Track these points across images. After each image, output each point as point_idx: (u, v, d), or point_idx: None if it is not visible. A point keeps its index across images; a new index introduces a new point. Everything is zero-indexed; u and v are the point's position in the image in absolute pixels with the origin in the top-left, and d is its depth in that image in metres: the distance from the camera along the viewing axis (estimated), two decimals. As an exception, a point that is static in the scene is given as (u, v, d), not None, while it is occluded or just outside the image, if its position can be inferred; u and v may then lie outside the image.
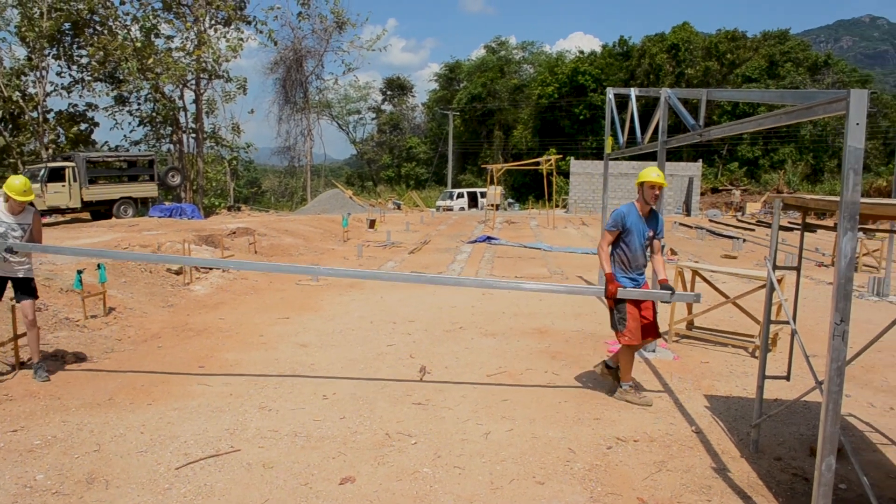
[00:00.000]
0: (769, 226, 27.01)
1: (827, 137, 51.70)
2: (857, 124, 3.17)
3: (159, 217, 25.45)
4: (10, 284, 6.64)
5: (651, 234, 6.12)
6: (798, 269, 5.16)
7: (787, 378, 5.42)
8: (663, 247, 6.45)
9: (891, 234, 13.05)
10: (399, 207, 47.82)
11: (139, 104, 38.26)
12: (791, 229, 23.63)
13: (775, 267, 4.81)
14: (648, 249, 6.21)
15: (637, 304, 6.01)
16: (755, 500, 4.30)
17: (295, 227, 22.18)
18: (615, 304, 6.03)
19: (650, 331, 6.13)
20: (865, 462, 4.95)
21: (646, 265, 6.21)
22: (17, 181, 6.48)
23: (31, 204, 6.73)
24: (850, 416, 5.92)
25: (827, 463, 3.46)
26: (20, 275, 6.65)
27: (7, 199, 6.54)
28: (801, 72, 53.85)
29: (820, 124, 49.70)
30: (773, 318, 5.53)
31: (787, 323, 4.67)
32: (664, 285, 5.81)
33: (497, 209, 36.00)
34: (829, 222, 24.60)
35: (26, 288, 6.71)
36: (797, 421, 5.81)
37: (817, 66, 55.31)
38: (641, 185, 6.00)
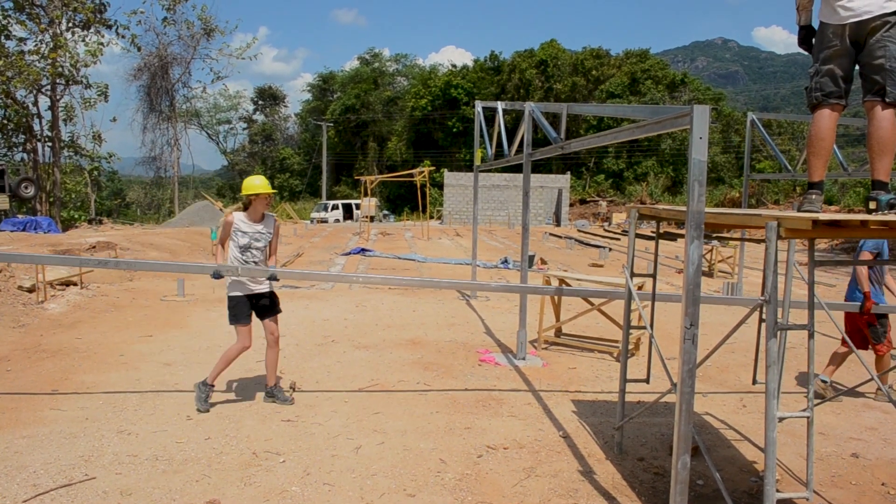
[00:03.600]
0: (633, 235, 28.28)
1: (685, 151, 54.72)
2: (700, 138, 3.34)
3: (11, 231, 23.70)
4: None
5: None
6: (654, 276, 5.39)
7: (647, 381, 5.65)
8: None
9: (742, 242, 13.91)
10: (272, 220, 46.74)
11: (-12, 110, 35.65)
12: (652, 238, 24.78)
13: (633, 275, 5.01)
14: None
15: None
16: (619, 501, 4.43)
17: (161, 241, 21.27)
18: (877, 319, 6.46)
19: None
20: (721, 458, 5.21)
21: None
22: (257, 180, 5.94)
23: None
24: (706, 415, 6.24)
25: (682, 461, 3.60)
26: (268, 289, 6.13)
27: (248, 205, 5.97)
28: (660, 89, 56.90)
29: (678, 138, 52.52)
30: (634, 323, 5.75)
31: (646, 328, 4.87)
32: None
33: (372, 221, 35.90)
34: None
35: (274, 303, 6.19)
36: (658, 422, 6.06)
37: (675, 84, 58.66)
38: None
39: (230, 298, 6.02)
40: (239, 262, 5.94)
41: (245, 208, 6.06)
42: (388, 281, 6.96)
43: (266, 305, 6.14)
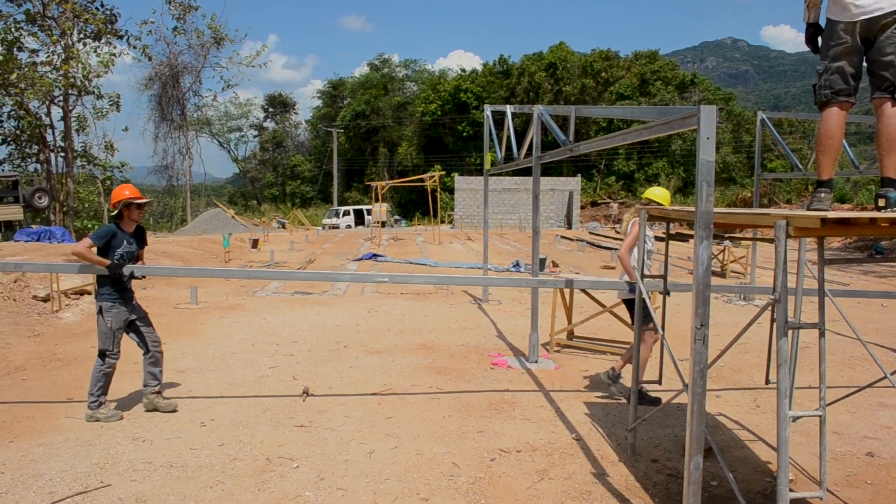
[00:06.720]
0: (645, 236, 28.18)
1: (696, 152, 54.56)
2: (708, 138, 3.34)
3: (26, 241, 23.82)
4: None
5: None
6: (665, 277, 5.38)
7: (660, 382, 5.64)
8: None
9: (754, 242, 13.84)
10: (283, 226, 46.98)
11: (1, 122, 35.91)
12: (662, 239, 24.69)
13: (643, 276, 5.00)
14: None
15: None
16: (633, 502, 4.42)
17: (174, 249, 21.38)
18: None
19: None
20: (734, 459, 5.19)
21: None
22: (658, 190, 6.21)
23: None
24: (720, 416, 6.21)
25: (695, 462, 3.59)
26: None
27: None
28: (670, 90, 56.74)
29: (689, 139, 52.33)
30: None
31: (657, 330, 4.86)
32: None
33: (383, 226, 35.92)
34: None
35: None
36: (671, 423, 6.04)
37: (685, 85, 58.47)
38: None
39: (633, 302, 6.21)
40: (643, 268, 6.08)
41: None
42: (444, 280, 7.00)
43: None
